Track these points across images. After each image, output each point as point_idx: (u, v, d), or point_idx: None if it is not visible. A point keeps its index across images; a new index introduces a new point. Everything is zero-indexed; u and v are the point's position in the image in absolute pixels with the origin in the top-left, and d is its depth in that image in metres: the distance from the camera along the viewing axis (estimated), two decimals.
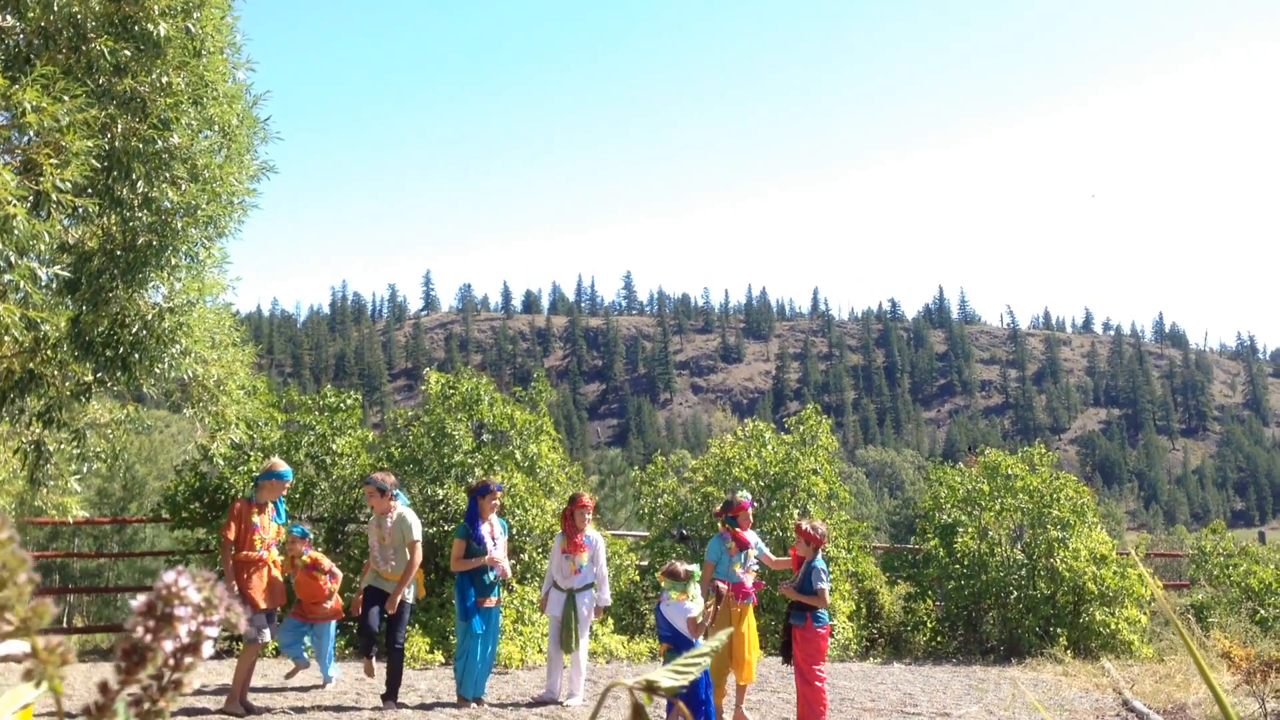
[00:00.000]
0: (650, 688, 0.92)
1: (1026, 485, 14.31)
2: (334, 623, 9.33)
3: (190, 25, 6.69)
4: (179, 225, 6.91)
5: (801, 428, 14.47)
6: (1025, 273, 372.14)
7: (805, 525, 8.07)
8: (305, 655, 9.27)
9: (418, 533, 8.57)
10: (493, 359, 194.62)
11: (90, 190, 6.46)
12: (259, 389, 11.07)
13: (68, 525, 12.06)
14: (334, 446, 11.96)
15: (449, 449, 12.17)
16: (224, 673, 8.90)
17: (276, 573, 8.38)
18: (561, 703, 8.98)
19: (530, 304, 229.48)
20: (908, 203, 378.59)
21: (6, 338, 6.39)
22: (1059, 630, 13.47)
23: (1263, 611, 13.91)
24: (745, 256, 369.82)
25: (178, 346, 7.25)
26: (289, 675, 9.29)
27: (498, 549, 8.85)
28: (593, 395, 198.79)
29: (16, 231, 5.51)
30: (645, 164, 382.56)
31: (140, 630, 0.69)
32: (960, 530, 14.41)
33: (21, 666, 0.67)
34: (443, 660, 10.82)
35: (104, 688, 0.68)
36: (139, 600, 0.71)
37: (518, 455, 12.38)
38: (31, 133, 5.92)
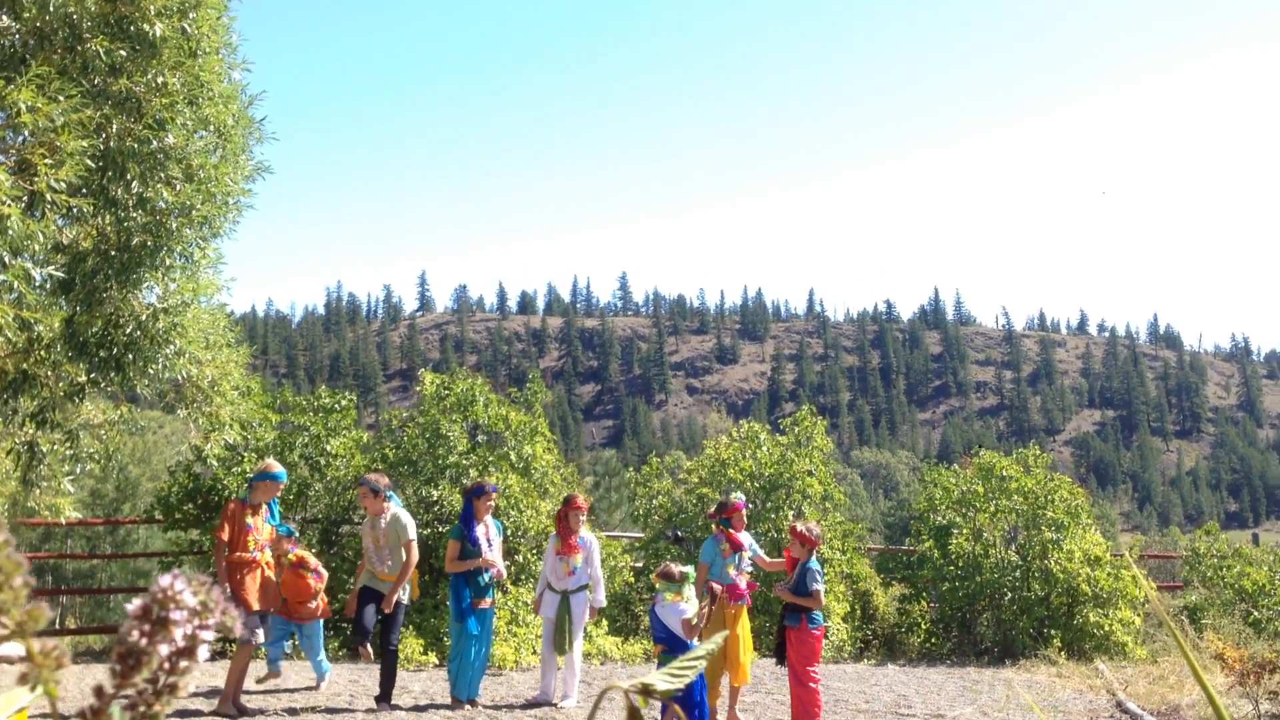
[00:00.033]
0: (646, 691, 0.92)
1: (1021, 487, 14.33)
2: (321, 622, 9.27)
3: (186, 25, 6.68)
4: (174, 225, 6.89)
5: (796, 429, 14.48)
6: (1020, 274, 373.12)
7: (800, 527, 8.07)
8: (280, 663, 9.24)
9: (413, 532, 8.56)
10: (488, 360, 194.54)
11: (85, 190, 6.45)
12: (253, 390, 11.07)
13: (61, 526, 12.03)
14: (328, 447, 11.95)
15: (444, 450, 12.16)
16: (217, 674, 8.88)
17: (270, 574, 8.37)
18: (556, 704, 8.97)
19: (526, 305, 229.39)
20: (903, 204, 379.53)
21: (0, 338, 6.38)
22: (1053, 632, 13.49)
23: (1256, 613, 13.94)
24: (741, 258, 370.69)
25: (172, 347, 7.23)
26: (261, 680, 9.17)
27: (493, 550, 8.84)
28: (588, 396, 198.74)
29: (11, 232, 5.50)
30: (641, 165, 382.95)
31: (135, 634, 0.69)
32: (955, 532, 14.42)
33: (16, 669, 0.67)
34: (437, 662, 10.81)
35: (99, 691, 0.68)
36: (134, 604, 0.71)
37: (513, 456, 12.37)
38: (26, 133, 5.91)
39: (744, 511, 8.90)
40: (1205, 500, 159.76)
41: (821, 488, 13.91)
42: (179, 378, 7.58)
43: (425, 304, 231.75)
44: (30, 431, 7.56)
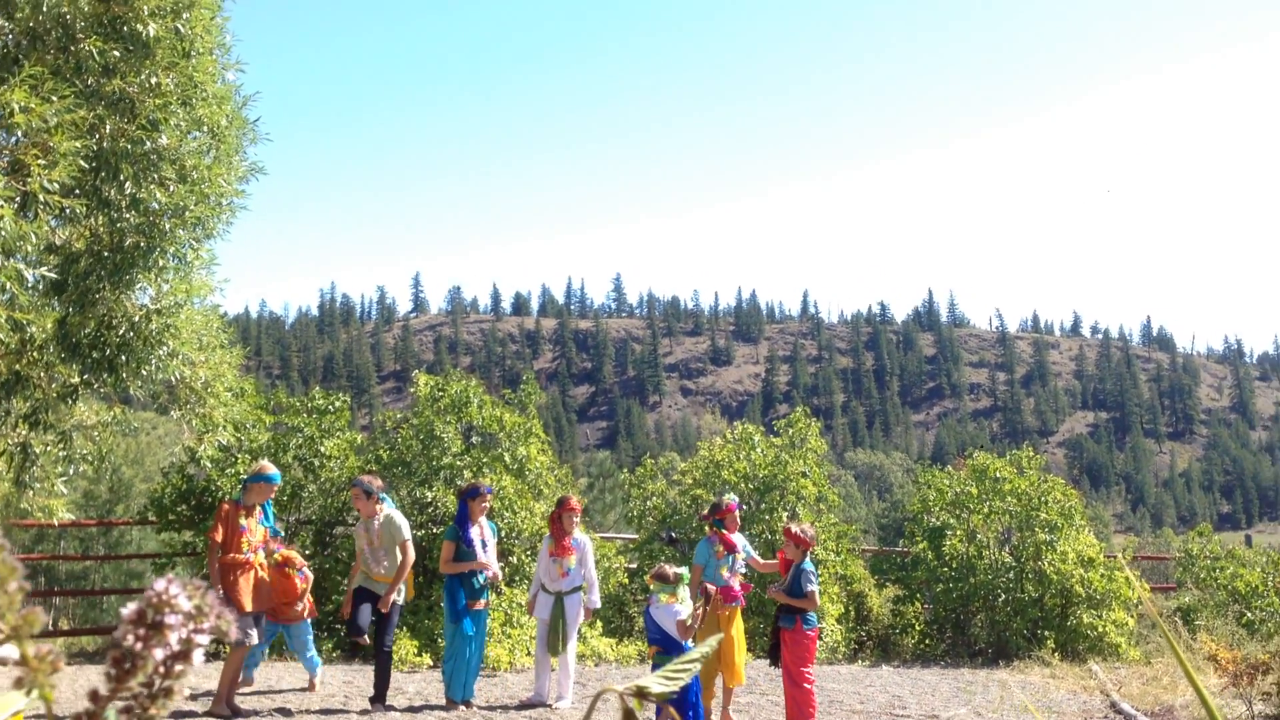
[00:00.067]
0: (641, 694, 0.92)
1: (1014, 488, 14.36)
2: (309, 622, 9.22)
3: (179, 26, 6.67)
4: (167, 226, 6.88)
5: (791, 430, 14.49)
6: (1014, 276, 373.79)
7: (794, 528, 8.07)
8: (255, 670, 9.23)
9: (407, 532, 8.57)
10: (482, 361, 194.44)
11: (78, 191, 6.44)
12: (247, 391, 11.03)
13: (54, 528, 12.00)
14: (322, 449, 11.93)
15: (438, 451, 12.16)
16: (210, 675, 8.86)
17: (264, 575, 8.36)
18: (551, 705, 8.97)
19: (520, 306, 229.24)
20: (898, 206, 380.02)
21: None
22: (1047, 633, 13.51)
23: (1249, 614, 13.97)
24: (735, 259, 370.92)
25: (165, 348, 7.22)
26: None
27: (488, 552, 8.84)
28: (582, 398, 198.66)
29: (3, 233, 5.49)
30: (635, 166, 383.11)
31: (130, 638, 0.69)
32: (948, 533, 14.44)
33: (11, 671, 0.67)
34: (431, 663, 10.80)
35: (94, 696, 0.68)
36: (129, 608, 0.71)
37: (507, 458, 12.37)
38: (19, 133, 5.90)
39: (737, 513, 8.91)
40: (1198, 502, 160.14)
41: (816, 489, 13.93)
42: (172, 379, 7.57)
43: (419, 305, 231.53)
44: (23, 433, 7.54)
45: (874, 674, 12.22)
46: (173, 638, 0.70)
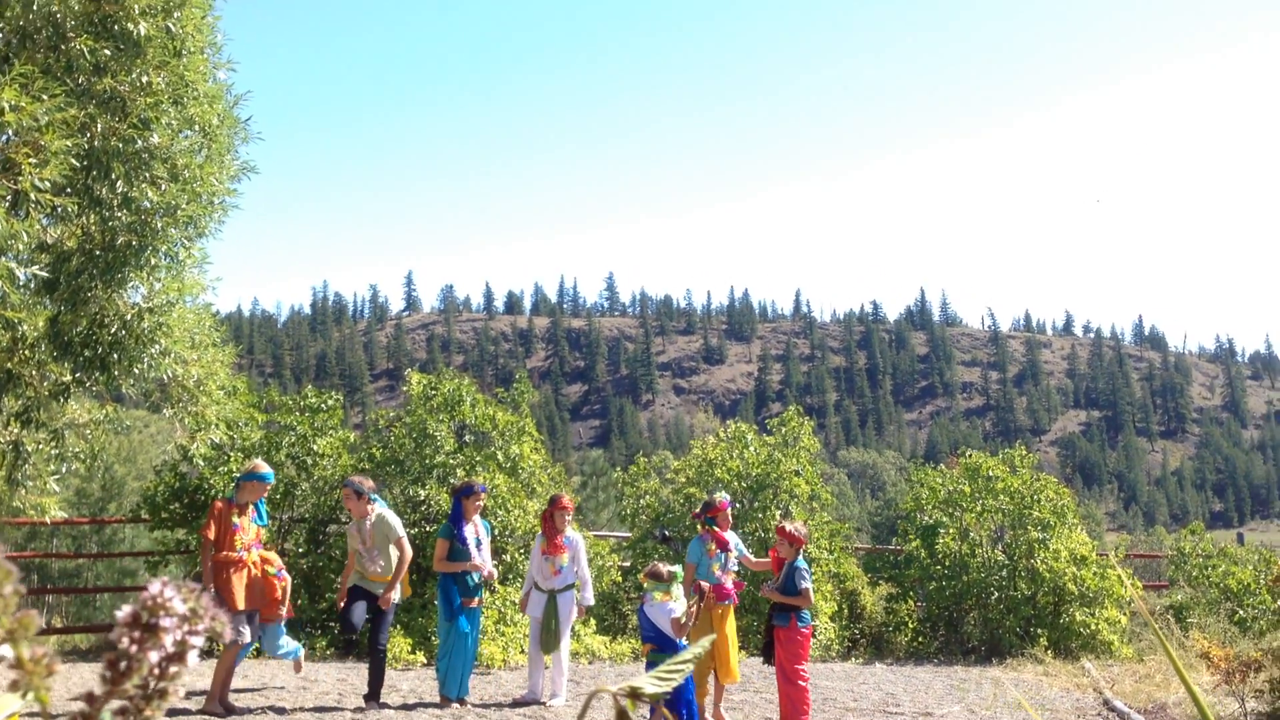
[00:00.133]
0: (635, 694, 0.92)
1: (1007, 487, 14.39)
2: (282, 624, 8.97)
3: (170, 25, 6.65)
4: (158, 225, 6.87)
5: (783, 429, 14.50)
6: (1006, 275, 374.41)
7: (787, 526, 8.09)
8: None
9: (401, 530, 8.58)
10: (475, 360, 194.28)
11: (69, 190, 6.42)
12: (239, 389, 11.02)
13: (46, 526, 11.98)
14: (315, 447, 11.92)
15: (431, 450, 12.15)
16: (204, 673, 8.85)
17: (257, 573, 8.34)
18: (544, 703, 8.97)
19: (512, 305, 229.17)
20: (890, 205, 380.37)
21: None
22: (1039, 631, 13.54)
23: (1241, 612, 14.02)
24: (728, 258, 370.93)
25: (157, 347, 7.21)
26: None
27: (482, 550, 8.85)
28: (575, 396, 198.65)
29: None
30: (629, 166, 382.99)
31: (125, 641, 0.69)
32: (941, 531, 14.47)
33: (6, 673, 0.67)
34: (425, 661, 10.80)
35: (90, 698, 0.68)
36: (124, 611, 0.71)
37: (500, 456, 12.36)
38: (10, 132, 5.88)
39: (728, 511, 8.92)
40: (1190, 500, 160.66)
41: (808, 488, 13.94)
42: (164, 377, 7.55)
43: (412, 304, 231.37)
44: (15, 431, 7.52)
45: (867, 672, 12.24)
46: (167, 640, 0.71)
